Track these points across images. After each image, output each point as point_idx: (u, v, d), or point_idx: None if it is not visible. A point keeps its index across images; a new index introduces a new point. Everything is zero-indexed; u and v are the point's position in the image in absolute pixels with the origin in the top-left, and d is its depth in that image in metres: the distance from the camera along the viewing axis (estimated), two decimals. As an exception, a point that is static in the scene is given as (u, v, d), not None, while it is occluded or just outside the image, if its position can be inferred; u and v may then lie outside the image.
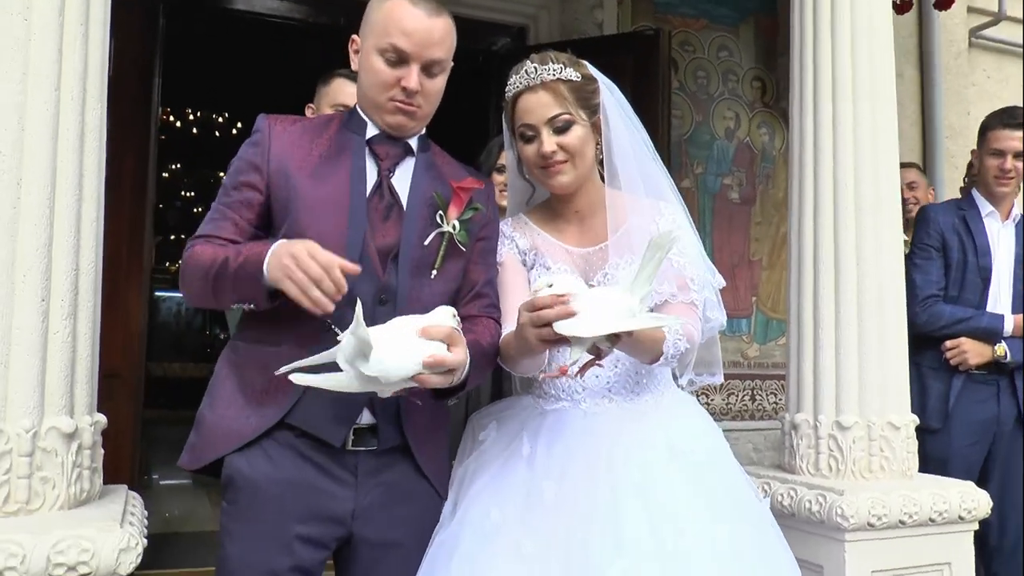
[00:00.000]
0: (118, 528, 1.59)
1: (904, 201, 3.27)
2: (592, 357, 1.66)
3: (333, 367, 1.48)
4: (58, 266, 1.69)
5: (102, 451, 1.83)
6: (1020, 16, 5.99)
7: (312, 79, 2.75)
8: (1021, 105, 3.35)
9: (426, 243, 1.72)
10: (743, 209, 5.06)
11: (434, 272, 1.73)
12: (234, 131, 10.82)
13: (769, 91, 5.14)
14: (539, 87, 1.86)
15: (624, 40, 4.55)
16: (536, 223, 2.00)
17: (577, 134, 1.87)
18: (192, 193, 15.13)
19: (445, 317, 1.57)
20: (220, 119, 10.75)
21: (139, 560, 1.59)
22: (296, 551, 1.63)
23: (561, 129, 1.85)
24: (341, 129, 1.78)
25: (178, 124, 10.58)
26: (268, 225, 1.70)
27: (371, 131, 1.77)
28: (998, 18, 5.94)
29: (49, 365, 1.66)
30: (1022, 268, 3.11)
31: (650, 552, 1.64)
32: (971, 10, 6.05)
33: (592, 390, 1.88)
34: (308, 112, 2.61)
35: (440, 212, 1.74)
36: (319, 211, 1.66)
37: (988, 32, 6.10)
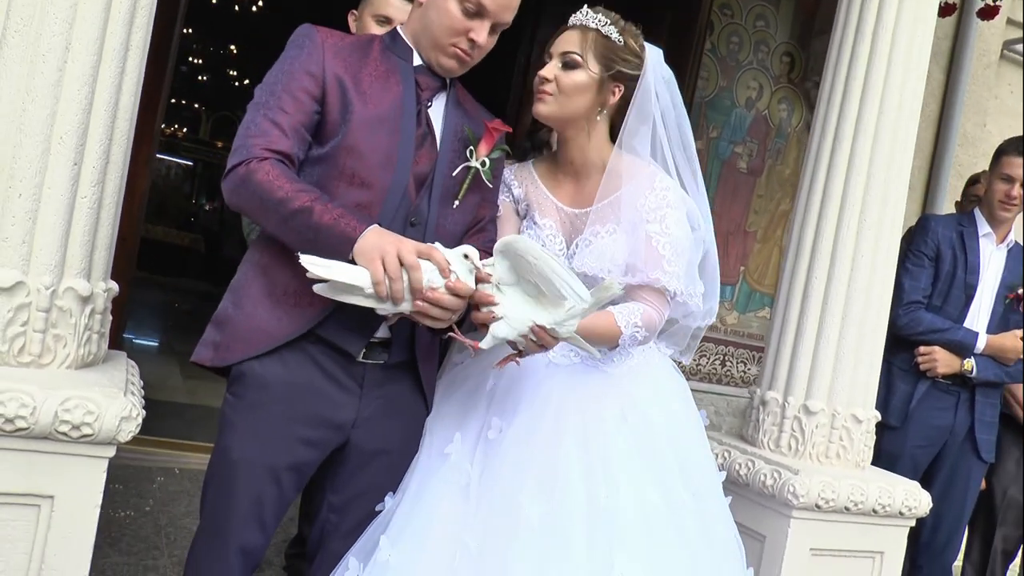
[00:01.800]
0: (121, 396, 1.66)
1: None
2: (514, 352, 1.73)
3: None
4: (94, 133, 1.72)
5: (111, 318, 1.89)
6: (1057, 33, 5.99)
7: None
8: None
9: (454, 174, 1.79)
10: (748, 180, 5.11)
11: (456, 202, 1.80)
12: (254, 8, 10.62)
13: (797, 68, 5.14)
14: (577, 28, 1.95)
15: (667, -9, 4.53)
16: (538, 173, 2.06)
17: (575, 77, 1.92)
18: (199, 60, 14.90)
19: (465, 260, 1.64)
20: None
21: (137, 429, 1.67)
22: (296, 451, 1.72)
23: (566, 65, 1.92)
24: (385, 51, 1.81)
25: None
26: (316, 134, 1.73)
27: (416, 60, 1.81)
28: (1033, 34, 5.93)
29: (73, 228, 1.71)
30: (1005, 292, 3.20)
31: (579, 501, 1.72)
32: (1010, 22, 6.03)
33: (562, 345, 1.90)
34: (350, 19, 2.60)
35: (471, 148, 1.80)
36: (373, 129, 1.71)
37: (1019, 47, 6.09)
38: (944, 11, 4.61)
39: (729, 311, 5.13)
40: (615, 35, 1.95)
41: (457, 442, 1.83)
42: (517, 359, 1.75)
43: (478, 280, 1.64)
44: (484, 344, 1.65)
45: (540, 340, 1.68)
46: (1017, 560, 3.64)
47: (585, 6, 1.99)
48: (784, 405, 2.66)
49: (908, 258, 3.18)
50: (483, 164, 1.81)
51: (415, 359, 1.84)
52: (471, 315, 1.68)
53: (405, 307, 1.60)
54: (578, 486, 1.74)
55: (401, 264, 1.55)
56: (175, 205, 17.06)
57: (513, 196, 2.04)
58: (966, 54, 5.74)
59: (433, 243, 1.63)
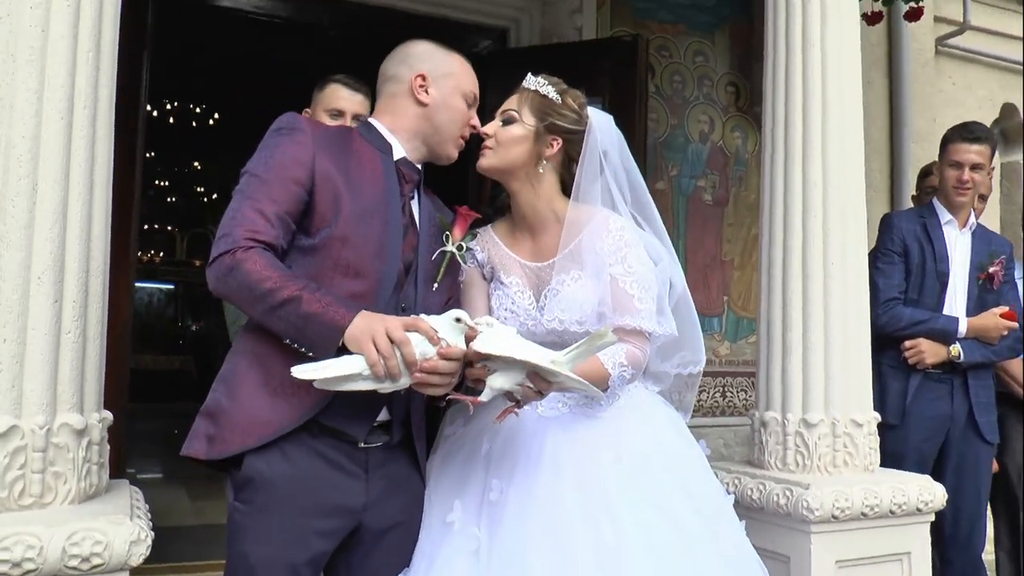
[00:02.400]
0: (128, 521, 1.68)
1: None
2: (512, 404, 1.78)
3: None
4: (70, 269, 1.76)
5: (108, 447, 1.91)
6: (984, 26, 6.19)
7: (291, 75, 2.86)
8: (979, 120, 3.50)
9: (433, 258, 1.90)
10: (716, 211, 5.20)
11: (435, 284, 1.90)
12: (211, 121, 10.83)
13: (743, 96, 5.28)
14: (521, 89, 2.08)
15: (603, 45, 4.67)
16: (498, 235, 2.14)
17: (512, 131, 2.03)
18: (166, 182, 15.07)
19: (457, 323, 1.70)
20: (197, 109, 10.75)
21: (148, 552, 1.68)
22: (312, 544, 1.74)
23: (505, 121, 2.04)
24: (364, 143, 1.91)
25: (155, 113, 10.54)
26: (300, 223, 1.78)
27: (398, 153, 1.92)
28: (963, 28, 6.12)
29: (61, 364, 1.74)
30: (976, 273, 3.26)
31: (587, 548, 1.74)
32: (937, 19, 6.23)
33: (549, 396, 1.89)
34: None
35: (447, 233, 1.92)
36: (364, 220, 1.79)
37: (954, 41, 6.28)
38: (871, 19, 4.78)
39: (720, 342, 5.17)
40: (552, 93, 2.07)
41: (458, 510, 1.86)
42: (516, 410, 1.79)
43: (468, 339, 1.69)
44: (484, 397, 1.70)
45: (537, 386, 1.74)
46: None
47: (529, 74, 2.11)
48: (784, 422, 2.68)
49: (878, 258, 3.24)
50: (459, 248, 1.92)
51: (411, 436, 1.90)
52: (465, 372, 1.73)
53: (404, 381, 1.65)
54: (584, 533, 1.76)
55: (391, 341, 1.60)
56: (161, 330, 17.06)
57: (478, 261, 2.11)
58: (903, 56, 5.92)
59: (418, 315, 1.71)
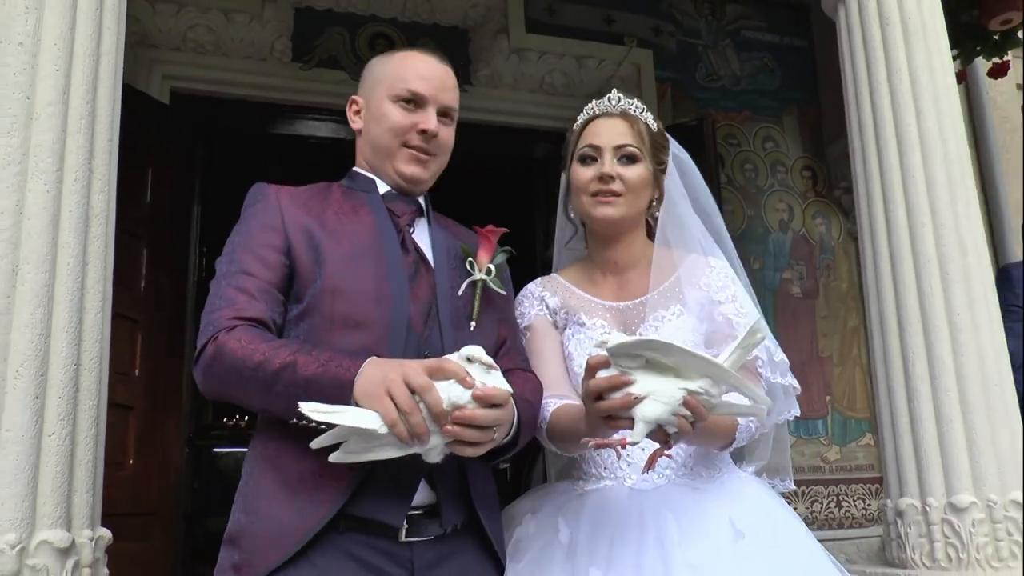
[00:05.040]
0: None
1: None
2: (659, 446, 1.41)
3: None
4: (56, 360, 1.52)
5: (107, 571, 1.60)
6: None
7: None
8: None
9: (460, 293, 1.57)
10: (807, 303, 4.82)
11: (472, 324, 1.56)
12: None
13: (820, 180, 4.99)
14: (617, 116, 1.76)
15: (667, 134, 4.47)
16: (570, 281, 1.84)
17: (640, 172, 1.73)
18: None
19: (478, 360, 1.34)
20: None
21: None
22: None
23: (628, 159, 1.73)
24: (346, 191, 1.66)
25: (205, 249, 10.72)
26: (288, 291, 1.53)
27: (381, 188, 1.65)
28: (1050, 93, 5.81)
29: (42, 471, 1.48)
30: None
31: None
32: (1020, 87, 5.95)
33: (637, 465, 1.61)
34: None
35: (470, 259, 1.60)
36: (353, 265, 1.51)
37: (1038, 108, 5.97)
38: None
39: (828, 446, 4.70)
40: (652, 122, 1.79)
41: None
42: (667, 451, 1.43)
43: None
44: (635, 435, 1.33)
45: (696, 414, 1.35)
46: None
47: (614, 91, 1.81)
48: (925, 509, 2.23)
49: (1003, 316, 2.81)
50: (488, 273, 1.59)
51: (476, 518, 1.51)
52: (597, 405, 1.36)
53: (436, 441, 1.30)
54: None
55: (412, 391, 1.28)
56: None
57: (548, 308, 1.81)
58: (987, 123, 5.61)
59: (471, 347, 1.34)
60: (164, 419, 3.52)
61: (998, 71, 4.42)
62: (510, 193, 5.42)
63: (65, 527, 1.48)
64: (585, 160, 1.75)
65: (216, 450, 15.19)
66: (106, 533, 1.59)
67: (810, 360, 4.79)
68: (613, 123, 1.75)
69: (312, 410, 1.23)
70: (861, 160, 2.53)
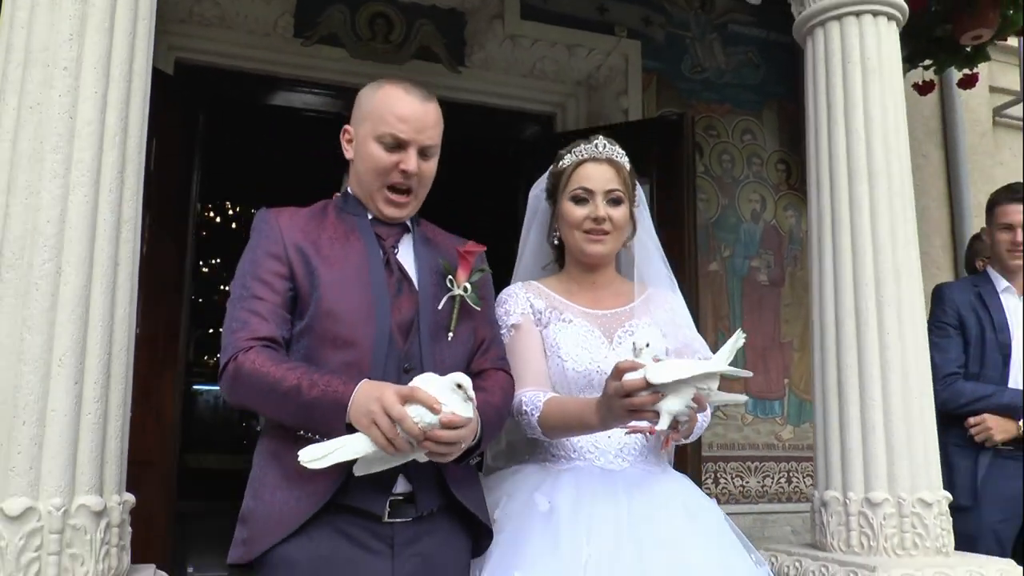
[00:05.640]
0: (145, 606, 1.62)
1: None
2: (673, 429, 1.71)
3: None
4: (92, 352, 1.76)
5: (130, 530, 1.87)
6: (1043, 94, 6.06)
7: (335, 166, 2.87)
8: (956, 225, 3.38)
9: (440, 307, 1.81)
10: (773, 291, 5.08)
11: (450, 335, 1.81)
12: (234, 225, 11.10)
13: (794, 174, 5.20)
14: (605, 161, 2.04)
15: (649, 125, 4.68)
16: (549, 288, 2.11)
17: (624, 212, 2.04)
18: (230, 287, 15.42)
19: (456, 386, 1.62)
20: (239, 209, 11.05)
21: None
22: None
23: (615, 202, 2.02)
24: (340, 213, 1.89)
25: (218, 219, 10.86)
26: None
27: (371, 213, 1.88)
28: (1020, 98, 5.99)
29: (81, 446, 1.72)
30: None
31: None
32: (993, 89, 6.13)
33: (604, 450, 1.95)
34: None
35: (449, 277, 1.83)
36: (343, 290, 1.75)
37: (1013, 111, 6.16)
38: (923, 89, 4.71)
39: (783, 426, 4.99)
40: (628, 166, 2.08)
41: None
42: (675, 435, 1.73)
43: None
44: (662, 424, 1.65)
45: (700, 405, 1.69)
46: None
47: (592, 138, 2.08)
48: (846, 502, 2.52)
49: (932, 332, 3.08)
50: (465, 290, 1.83)
51: (452, 501, 1.77)
52: (628, 401, 1.65)
53: (420, 453, 1.60)
54: None
55: (391, 419, 1.54)
56: (226, 433, 17.22)
57: (534, 309, 2.07)
58: (957, 128, 5.80)
59: (429, 374, 1.63)
60: (161, 374, 3.76)
61: (967, 82, 4.64)
62: (498, 172, 5.64)
63: (99, 493, 1.74)
64: (578, 200, 2.02)
65: (195, 387, 15.48)
66: (131, 497, 1.85)
67: (772, 344, 5.06)
68: (602, 168, 2.02)
69: (310, 460, 1.54)
70: (815, 184, 2.76)
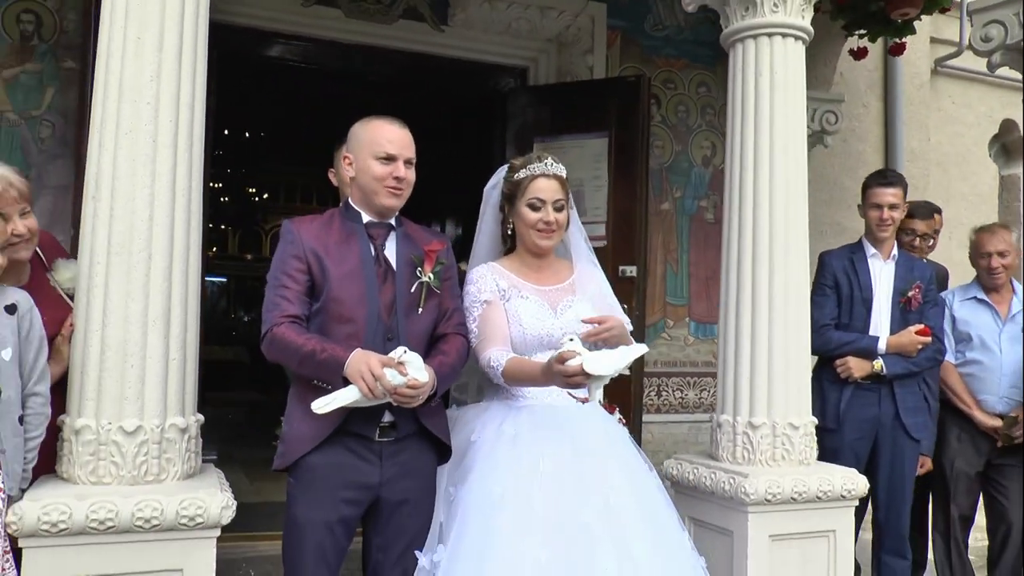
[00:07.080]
0: (219, 493, 2.36)
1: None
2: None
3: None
4: (175, 315, 2.45)
5: (200, 440, 2.59)
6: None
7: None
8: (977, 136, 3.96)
9: (412, 291, 2.52)
10: (716, 229, 5.65)
11: (420, 310, 2.53)
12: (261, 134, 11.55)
13: (743, 123, 5.76)
14: (553, 177, 2.74)
15: (609, 84, 5.23)
16: (507, 269, 2.80)
17: (565, 214, 2.76)
18: (219, 184, 15.94)
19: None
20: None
21: (233, 515, 2.36)
22: (341, 509, 2.42)
23: (559, 208, 2.73)
24: (343, 220, 2.58)
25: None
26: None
27: (365, 218, 2.57)
28: (960, 49, 6.50)
29: (169, 381, 2.43)
30: (898, 298, 3.84)
31: (626, 493, 2.50)
32: (935, 40, 6.65)
33: (550, 391, 2.65)
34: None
35: (419, 268, 2.54)
36: (346, 283, 2.45)
37: (955, 61, 6.69)
38: (858, 55, 5.28)
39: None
40: (565, 174, 2.79)
41: (498, 490, 2.44)
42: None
43: (563, 358, 2.32)
44: (594, 399, 2.39)
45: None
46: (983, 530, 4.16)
47: (542, 156, 2.77)
48: (734, 424, 3.28)
49: (814, 291, 3.78)
50: (430, 278, 2.54)
51: (422, 427, 2.51)
52: (569, 380, 2.33)
53: (389, 399, 2.33)
54: (626, 485, 2.54)
55: (374, 377, 2.26)
56: (216, 324, 17.80)
57: (499, 288, 2.73)
58: (896, 80, 6.34)
59: (402, 347, 2.34)
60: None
61: (897, 50, 5.20)
62: (477, 118, 6.24)
63: (181, 414, 2.45)
64: (534, 207, 2.71)
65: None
66: (200, 417, 2.57)
67: (714, 276, 5.67)
68: (551, 183, 2.72)
69: (321, 406, 2.28)
70: (729, 172, 3.41)
